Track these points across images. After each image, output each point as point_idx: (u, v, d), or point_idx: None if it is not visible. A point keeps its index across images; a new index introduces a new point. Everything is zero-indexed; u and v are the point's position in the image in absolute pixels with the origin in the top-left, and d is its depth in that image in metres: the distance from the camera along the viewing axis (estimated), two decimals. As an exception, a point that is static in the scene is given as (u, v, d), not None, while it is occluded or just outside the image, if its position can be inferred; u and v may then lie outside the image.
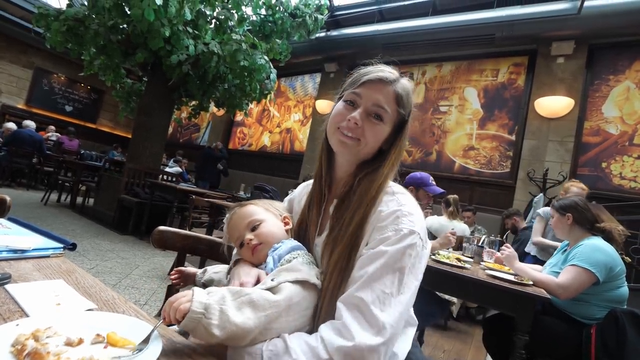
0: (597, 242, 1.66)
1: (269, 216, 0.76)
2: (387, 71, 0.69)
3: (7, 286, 0.56)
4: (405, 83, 0.70)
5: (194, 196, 3.12)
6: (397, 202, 0.64)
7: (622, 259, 1.66)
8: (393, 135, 0.70)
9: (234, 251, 0.81)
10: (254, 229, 0.74)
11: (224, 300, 0.51)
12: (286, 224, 0.78)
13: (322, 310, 0.60)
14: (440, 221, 3.07)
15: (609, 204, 3.46)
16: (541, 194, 3.92)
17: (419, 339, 2.32)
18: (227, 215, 0.80)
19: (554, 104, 4.31)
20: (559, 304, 1.66)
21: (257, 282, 0.65)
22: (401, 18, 5.28)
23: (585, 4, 3.80)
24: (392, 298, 0.55)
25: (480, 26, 4.54)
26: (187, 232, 1.15)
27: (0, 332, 0.42)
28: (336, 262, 0.61)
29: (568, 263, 1.62)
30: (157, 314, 1.12)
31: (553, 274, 1.69)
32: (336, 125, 0.68)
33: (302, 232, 0.77)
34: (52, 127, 7.91)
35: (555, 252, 1.93)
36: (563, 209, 1.80)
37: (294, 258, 0.65)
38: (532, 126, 4.48)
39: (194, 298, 0.50)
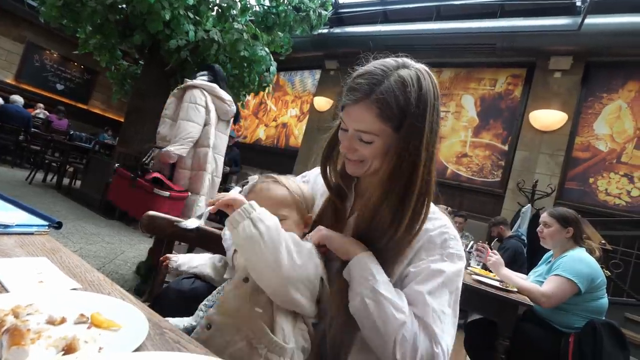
0: (581, 253, 1.69)
1: (293, 215, 0.70)
2: (361, 83, 0.61)
3: (-13, 260, 0.54)
4: (387, 86, 0.60)
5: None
6: (440, 221, 0.66)
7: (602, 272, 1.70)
8: (402, 140, 0.62)
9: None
10: None
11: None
12: (306, 225, 0.72)
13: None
14: None
15: (593, 218, 3.53)
16: (529, 205, 3.99)
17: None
18: (255, 179, 0.74)
19: (548, 118, 4.38)
20: (540, 312, 1.69)
21: None
22: (405, 21, 5.29)
23: (586, 21, 3.86)
24: (451, 318, 0.59)
25: (481, 35, 4.58)
26: (177, 218, 1.13)
27: (-22, 307, 0.40)
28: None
29: (552, 273, 1.65)
30: (143, 300, 1.10)
31: (537, 283, 1.72)
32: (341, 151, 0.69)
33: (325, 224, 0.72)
34: (41, 105, 7.70)
35: (540, 262, 1.96)
36: (566, 222, 1.78)
37: None
38: (525, 138, 4.54)
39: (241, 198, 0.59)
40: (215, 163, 2.22)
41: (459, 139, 5.08)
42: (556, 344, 1.60)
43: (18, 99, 6.15)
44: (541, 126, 4.42)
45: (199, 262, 0.92)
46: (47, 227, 0.76)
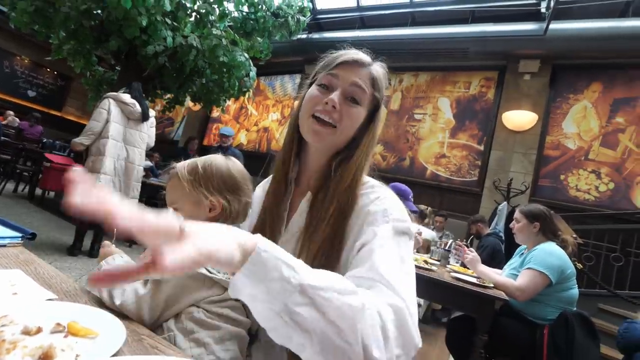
0: (550, 247, 1.77)
1: (185, 205, 0.70)
2: (362, 54, 0.67)
3: (-42, 274, 0.54)
4: (379, 67, 0.68)
5: (164, 191, 3.02)
6: (380, 197, 0.60)
7: (575, 265, 1.79)
8: (367, 121, 0.67)
9: None
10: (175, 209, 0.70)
11: None
12: (212, 209, 0.70)
13: None
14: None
15: (566, 213, 3.70)
16: (505, 203, 4.13)
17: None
18: (175, 168, 0.76)
19: (519, 118, 4.56)
20: (515, 305, 1.76)
21: None
22: (381, 26, 5.41)
23: (551, 26, 4.06)
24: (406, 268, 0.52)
25: (455, 40, 4.74)
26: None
27: (-50, 320, 0.39)
28: (314, 258, 0.56)
29: (525, 266, 1.72)
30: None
31: (511, 277, 1.79)
32: (310, 112, 0.64)
33: (264, 231, 0.67)
34: (11, 112, 7.38)
35: (514, 255, 2.05)
36: (532, 217, 1.87)
37: None
38: (499, 138, 4.71)
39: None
40: (126, 151, 2.93)
41: (437, 140, 5.22)
42: (532, 336, 1.67)
43: (-15, 107, 5.88)
44: (514, 126, 4.60)
45: None
46: (20, 238, 0.75)
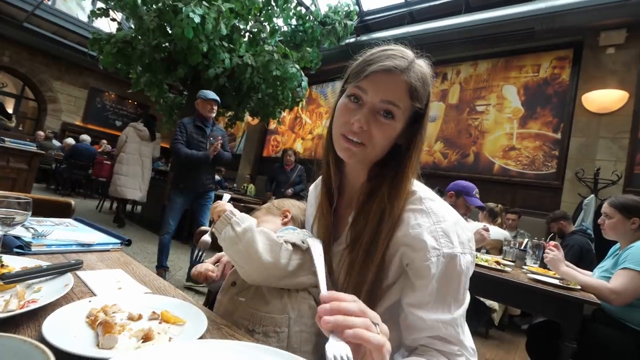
0: (652, 243, 1.52)
1: (270, 218, 0.87)
2: (397, 56, 0.58)
3: (77, 272, 0.65)
4: (420, 68, 0.60)
5: (231, 202, 3.26)
6: (428, 215, 0.58)
7: None
8: (408, 129, 0.62)
9: None
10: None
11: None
12: (284, 216, 0.85)
13: None
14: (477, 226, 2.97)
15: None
16: (592, 196, 3.65)
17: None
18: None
19: (604, 98, 4.00)
20: (611, 310, 1.54)
21: None
22: (432, 18, 5.19)
23: (637, -11, 3.52)
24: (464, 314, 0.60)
25: (517, 21, 4.35)
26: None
27: (77, 307, 0.50)
28: (349, 276, 0.59)
29: (619, 266, 1.50)
30: (203, 303, 1.20)
31: (603, 279, 1.58)
32: (339, 130, 0.61)
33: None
34: (104, 141, 8.64)
35: (606, 256, 1.79)
36: (628, 211, 1.63)
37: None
38: (579, 123, 4.19)
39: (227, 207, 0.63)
40: (141, 161, 4.60)
41: (504, 131, 4.82)
42: (632, 345, 1.45)
43: (86, 137, 6.97)
44: (597, 108, 4.05)
45: None
46: (119, 244, 0.88)
